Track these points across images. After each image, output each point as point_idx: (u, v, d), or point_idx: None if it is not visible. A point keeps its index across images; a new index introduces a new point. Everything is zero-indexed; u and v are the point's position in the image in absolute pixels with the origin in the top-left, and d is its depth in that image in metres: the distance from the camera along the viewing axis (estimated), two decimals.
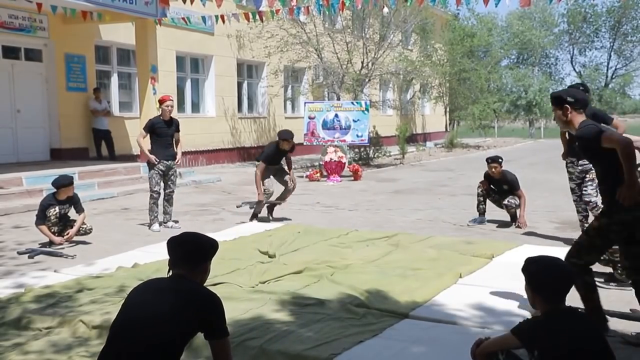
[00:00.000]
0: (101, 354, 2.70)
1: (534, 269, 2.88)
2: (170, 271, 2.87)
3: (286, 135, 8.71)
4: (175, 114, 8.44)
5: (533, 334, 2.75)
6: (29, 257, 6.54)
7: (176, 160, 8.33)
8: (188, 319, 2.68)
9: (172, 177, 8.34)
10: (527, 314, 4.26)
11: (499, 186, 8.32)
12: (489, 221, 8.42)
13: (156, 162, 8.08)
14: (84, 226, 7.30)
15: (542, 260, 2.92)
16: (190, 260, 2.84)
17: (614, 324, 4.30)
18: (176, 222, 8.43)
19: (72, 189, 7.13)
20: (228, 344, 2.84)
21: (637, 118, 64.21)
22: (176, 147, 8.40)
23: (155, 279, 3.07)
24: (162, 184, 8.28)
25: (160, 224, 8.21)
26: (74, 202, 7.25)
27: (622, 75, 46.48)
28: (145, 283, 2.89)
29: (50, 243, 6.99)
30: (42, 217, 7.01)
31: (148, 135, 8.20)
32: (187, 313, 2.67)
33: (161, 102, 8.19)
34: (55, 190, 7.12)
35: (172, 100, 8.31)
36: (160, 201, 8.28)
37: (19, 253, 6.73)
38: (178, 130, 8.38)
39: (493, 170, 8.23)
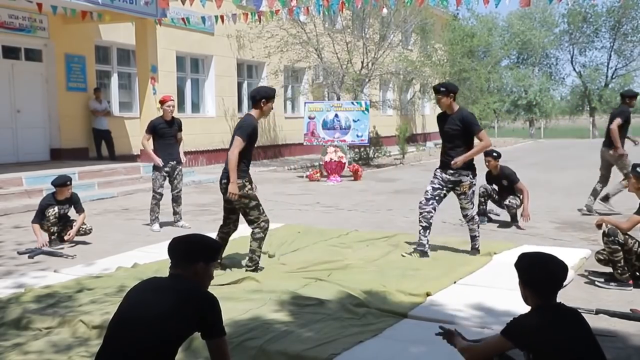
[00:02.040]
0: (99, 352, 2.70)
1: (526, 263, 2.89)
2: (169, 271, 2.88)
3: None
4: (175, 114, 8.47)
5: (525, 334, 2.74)
6: (29, 257, 6.54)
7: (183, 162, 8.40)
8: (186, 318, 2.68)
9: (178, 177, 8.35)
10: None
11: (498, 183, 8.30)
12: (489, 221, 8.41)
13: (162, 165, 8.07)
14: (84, 226, 7.30)
15: (534, 256, 2.94)
16: (184, 260, 2.85)
17: (614, 323, 4.31)
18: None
19: (69, 189, 7.11)
20: (225, 343, 2.84)
21: (637, 118, 64.24)
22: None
23: (153, 278, 3.08)
24: (165, 185, 8.27)
25: (160, 225, 8.20)
26: (74, 202, 7.25)
27: (622, 75, 46.38)
28: (144, 282, 2.90)
29: (50, 243, 7.00)
30: (39, 217, 7.01)
31: (151, 137, 8.22)
32: (185, 312, 2.68)
33: (162, 102, 8.21)
34: (54, 190, 7.12)
35: (173, 100, 8.35)
36: (164, 202, 8.28)
37: (19, 253, 6.73)
38: (180, 130, 8.41)
39: (487, 164, 8.21)
